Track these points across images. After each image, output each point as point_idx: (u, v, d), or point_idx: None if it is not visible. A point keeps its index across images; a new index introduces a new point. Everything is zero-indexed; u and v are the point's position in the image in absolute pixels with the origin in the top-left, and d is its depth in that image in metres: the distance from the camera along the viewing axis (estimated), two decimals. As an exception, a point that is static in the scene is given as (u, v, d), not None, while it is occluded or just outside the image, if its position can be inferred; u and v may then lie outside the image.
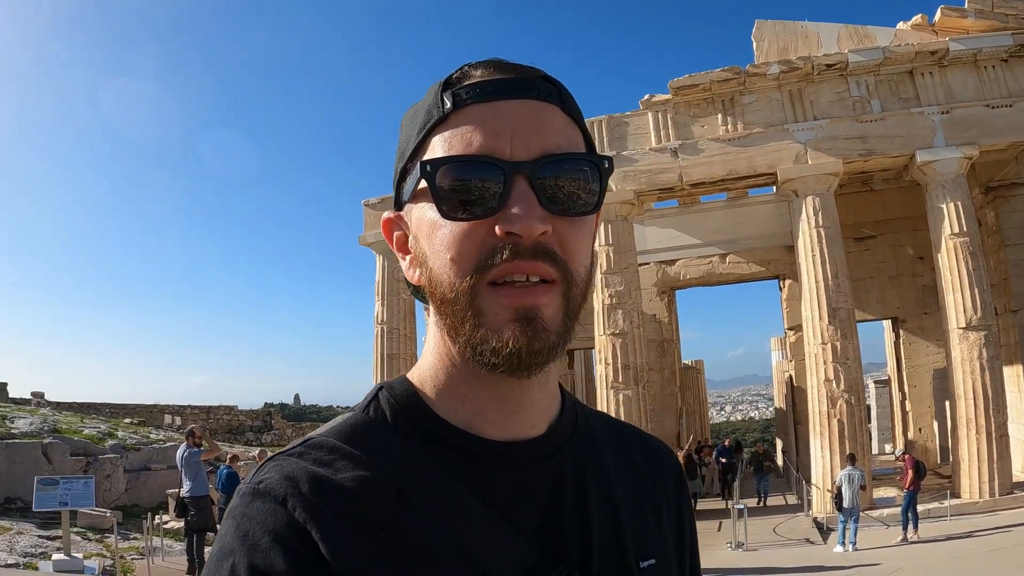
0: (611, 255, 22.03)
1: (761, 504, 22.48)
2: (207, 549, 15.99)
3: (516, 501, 1.09)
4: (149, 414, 41.48)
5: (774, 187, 22.72)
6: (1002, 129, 20.42)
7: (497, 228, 1.00)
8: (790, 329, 26.40)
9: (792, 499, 24.03)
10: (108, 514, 17.17)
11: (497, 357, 1.02)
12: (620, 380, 21.37)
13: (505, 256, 1.00)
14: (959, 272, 19.90)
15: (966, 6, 20.74)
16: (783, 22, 22.76)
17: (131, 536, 17.26)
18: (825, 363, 20.21)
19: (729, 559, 16.26)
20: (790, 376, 27.63)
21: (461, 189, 1.02)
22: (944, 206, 20.31)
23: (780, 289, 27.55)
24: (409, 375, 1.19)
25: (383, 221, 1.21)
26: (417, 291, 1.18)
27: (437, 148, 1.06)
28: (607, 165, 1.09)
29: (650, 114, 22.64)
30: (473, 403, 1.11)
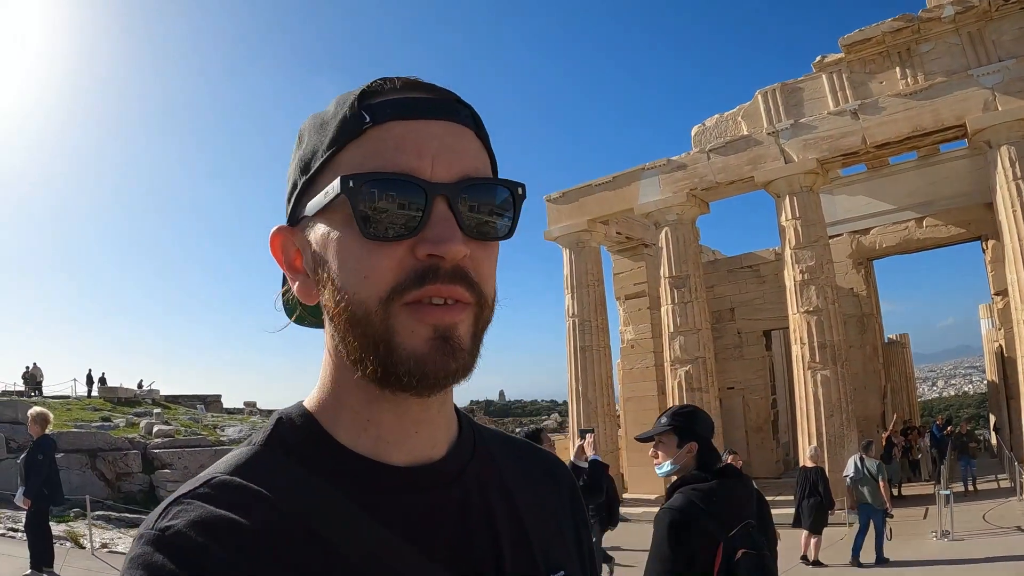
0: (799, 229, 21.12)
1: (968, 490, 20.91)
2: None
3: (426, 528, 1.08)
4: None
5: (965, 140, 21.06)
6: None
7: (418, 249, 0.99)
8: (996, 294, 24.46)
9: (1005, 482, 21.97)
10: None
11: (411, 377, 1.00)
12: (817, 360, 20.40)
13: (426, 278, 0.99)
14: None
15: None
16: (957, -37, 21.23)
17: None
18: None
19: (933, 550, 15.19)
20: (1000, 346, 25.85)
21: (382, 208, 0.99)
22: None
23: (983, 251, 25.52)
24: (306, 403, 1.15)
25: (273, 235, 1.13)
26: (300, 313, 1.21)
27: (353, 163, 1.02)
28: (520, 191, 1.09)
29: (824, 76, 21.69)
30: (376, 427, 1.09)
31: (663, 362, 23.19)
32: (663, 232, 23.19)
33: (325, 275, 1.05)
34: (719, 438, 23.52)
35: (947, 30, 20.21)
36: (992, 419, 32.00)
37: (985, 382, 50.63)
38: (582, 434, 8.86)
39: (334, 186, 1.00)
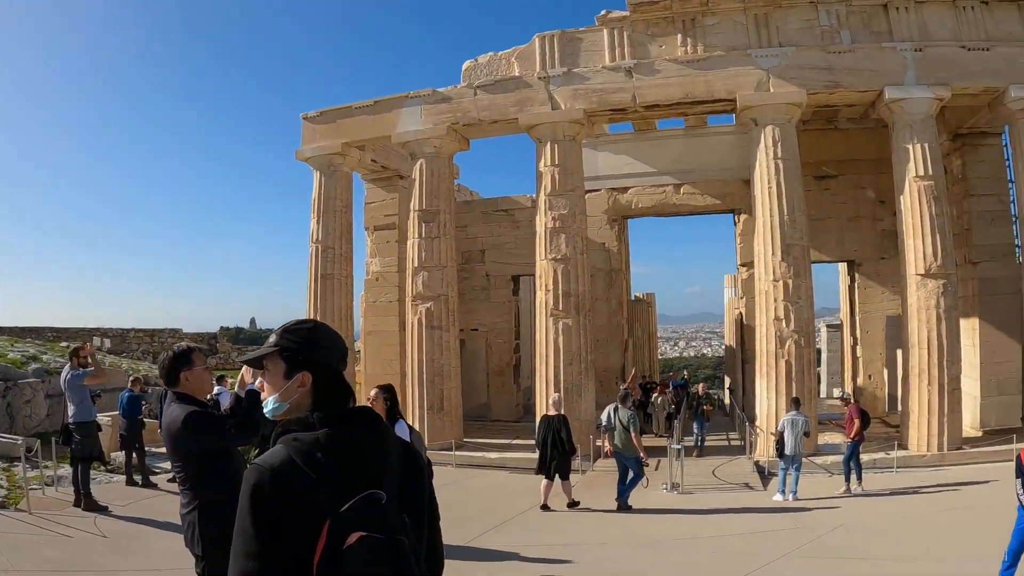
0: (556, 176, 20.52)
1: (697, 453, 20.75)
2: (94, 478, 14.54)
3: None
4: (90, 337, 39.50)
5: (733, 115, 21.35)
6: (977, 72, 19.25)
7: None
8: (742, 265, 25.20)
9: (736, 440, 23.16)
10: (19, 441, 15.62)
11: None
12: (561, 308, 20.04)
13: None
14: (922, 216, 18.80)
15: None
16: (756, -55, 21.00)
17: (44, 465, 15.62)
18: (776, 301, 19.04)
19: (662, 500, 15.40)
20: (740, 314, 26.69)
21: None
22: (910, 147, 19.13)
23: (735, 223, 26.22)
24: None
25: None
26: None
27: None
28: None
29: (606, 31, 21.05)
30: None
31: (407, 297, 21.89)
32: (418, 164, 21.97)
33: None
34: (463, 379, 23.07)
35: (735, 8, 20.23)
36: (727, 380, 33.34)
37: (723, 347, 53.00)
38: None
39: None
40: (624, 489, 14.44)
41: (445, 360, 21.24)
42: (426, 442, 20.46)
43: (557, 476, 14.37)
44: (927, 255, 18.59)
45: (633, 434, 14.36)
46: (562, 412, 14.94)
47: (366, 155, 24.76)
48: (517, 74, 21.37)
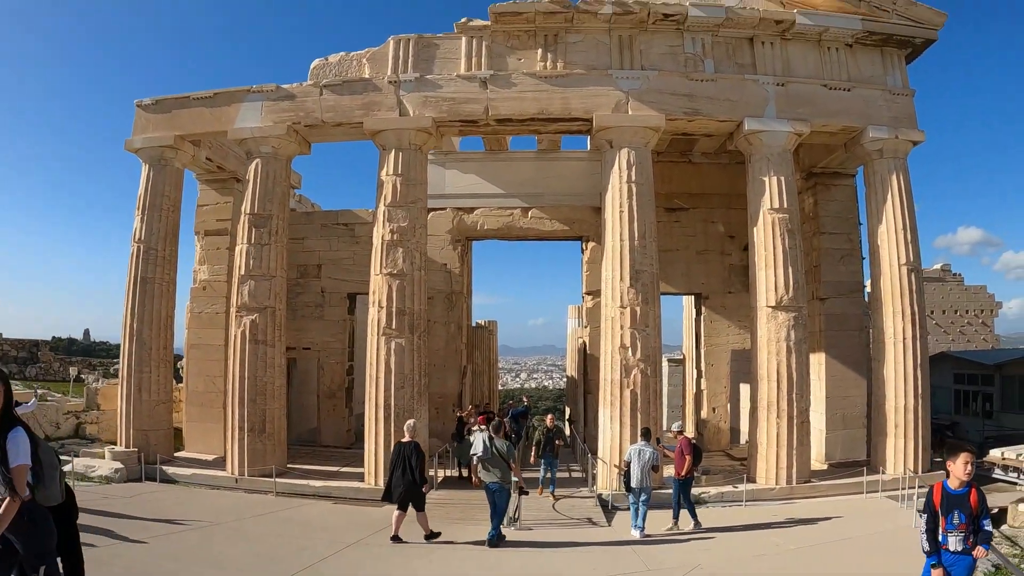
0: (398, 186, 19.00)
1: (548, 494, 19.11)
2: None
3: None
4: None
5: (588, 138, 20.53)
6: (837, 111, 19.36)
7: None
8: (588, 294, 24.32)
9: (577, 472, 22.17)
10: None
11: None
12: (394, 327, 18.43)
13: None
14: (775, 248, 18.43)
15: None
16: (627, -34, 20.24)
17: None
18: (622, 328, 18.17)
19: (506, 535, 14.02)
20: (584, 343, 25.72)
21: None
22: (767, 179, 18.86)
23: (582, 251, 25.35)
24: None
25: None
26: None
27: None
28: None
29: (464, 39, 19.81)
30: None
31: (232, 308, 19.93)
32: (254, 163, 20.06)
33: None
34: (293, 400, 21.30)
35: (600, 27, 19.57)
36: (568, 411, 33.29)
37: (565, 379, 52.65)
38: None
39: None
40: (499, 522, 13.34)
41: (269, 378, 19.23)
42: (246, 468, 18.82)
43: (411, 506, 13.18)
44: (778, 287, 18.25)
45: (513, 464, 13.44)
46: (415, 439, 13.64)
47: (201, 152, 22.42)
48: (367, 76, 19.82)
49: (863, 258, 22.19)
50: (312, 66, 20.55)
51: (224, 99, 20.55)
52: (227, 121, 20.33)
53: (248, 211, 19.65)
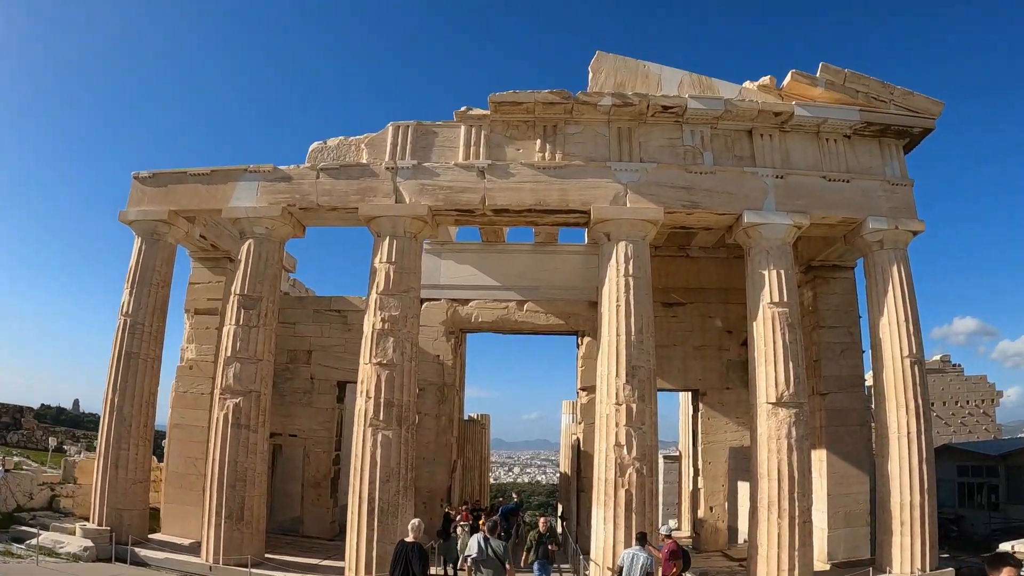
0: (391, 274, 18.57)
1: None
2: None
3: None
4: None
5: (585, 231, 20.18)
6: (836, 203, 18.99)
7: None
8: (583, 390, 23.60)
9: (568, 572, 20.93)
10: None
11: None
12: (381, 418, 17.71)
13: None
14: (775, 343, 17.83)
15: (818, 75, 19.18)
16: (625, 58, 20.26)
17: None
18: (617, 426, 17.41)
19: None
20: (578, 439, 24.83)
21: None
22: (766, 272, 18.37)
23: (578, 346, 24.67)
24: None
25: None
26: None
27: None
28: None
29: (463, 127, 19.64)
30: None
31: (216, 389, 19.33)
32: (246, 244, 19.67)
33: None
34: (277, 488, 20.69)
35: (599, 119, 19.46)
36: (560, 508, 32.51)
37: (557, 474, 51.54)
38: None
39: None
40: None
41: (251, 464, 18.47)
42: (221, 556, 17.93)
43: None
44: (779, 383, 17.57)
45: (508, 566, 12.76)
46: (419, 539, 12.71)
47: (196, 229, 22.11)
48: (365, 161, 19.58)
49: (864, 351, 21.76)
50: (311, 149, 20.36)
51: (220, 177, 20.29)
52: (222, 199, 20.04)
53: (238, 291, 19.18)
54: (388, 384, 17.86)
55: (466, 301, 24.36)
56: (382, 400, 17.77)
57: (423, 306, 22.66)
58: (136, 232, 20.89)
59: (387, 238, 18.81)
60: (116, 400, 19.94)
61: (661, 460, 36.57)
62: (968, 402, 46.99)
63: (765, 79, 19.68)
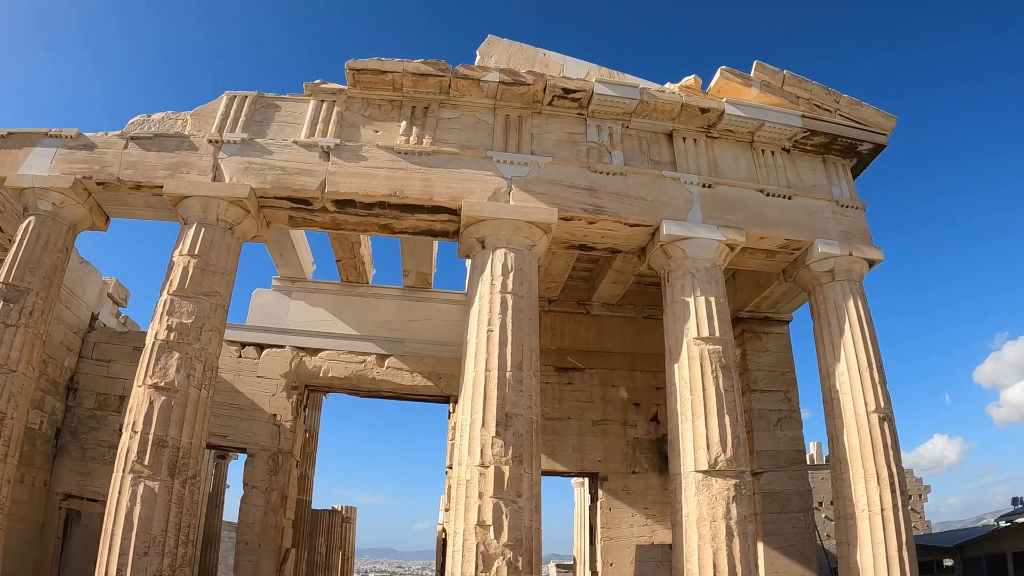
0: (191, 270, 12.81)
1: None
2: None
3: None
4: None
5: (457, 235, 14.37)
6: (777, 221, 14.21)
7: None
8: (451, 467, 17.27)
9: None
10: None
11: None
12: (147, 463, 11.38)
13: None
14: (704, 390, 12.29)
15: (752, 75, 14.76)
16: (522, 44, 15.52)
17: None
18: (481, 497, 11.28)
19: None
20: (444, 530, 18.80)
21: None
22: (691, 300, 13.16)
23: (449, 415, 18.89)
24: None
25: None
26: None
27: None
28: None
29: (313, 102, 14.52)
30: None
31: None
32: (27, 221, 13.83)
33: None
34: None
35: (484, 104, 14.49)
36: None
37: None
38: None
39: None
40: None
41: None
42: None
43: None
44: (711, 443, 11.82)
45: None
46: None
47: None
48: (186, 133, 14.28)
49: (802, 422, 17.19)
50: (129, 121, 14.92)
51: (18, 140, 14.45)
52: (12, 166, 14.26)
53: (0, 279, 13.16)
54: (163, 415, 11.71)
55: (316, 351, 18.70)
56: (151, 437, 11.53)
57: (262, 353, 17.79)
58: None
59: (195, 225, 13.23)
60: None
61: (553, 570, 30.98)
62: (892, 499, 42.46)
63: (689, 79, 15.04)
